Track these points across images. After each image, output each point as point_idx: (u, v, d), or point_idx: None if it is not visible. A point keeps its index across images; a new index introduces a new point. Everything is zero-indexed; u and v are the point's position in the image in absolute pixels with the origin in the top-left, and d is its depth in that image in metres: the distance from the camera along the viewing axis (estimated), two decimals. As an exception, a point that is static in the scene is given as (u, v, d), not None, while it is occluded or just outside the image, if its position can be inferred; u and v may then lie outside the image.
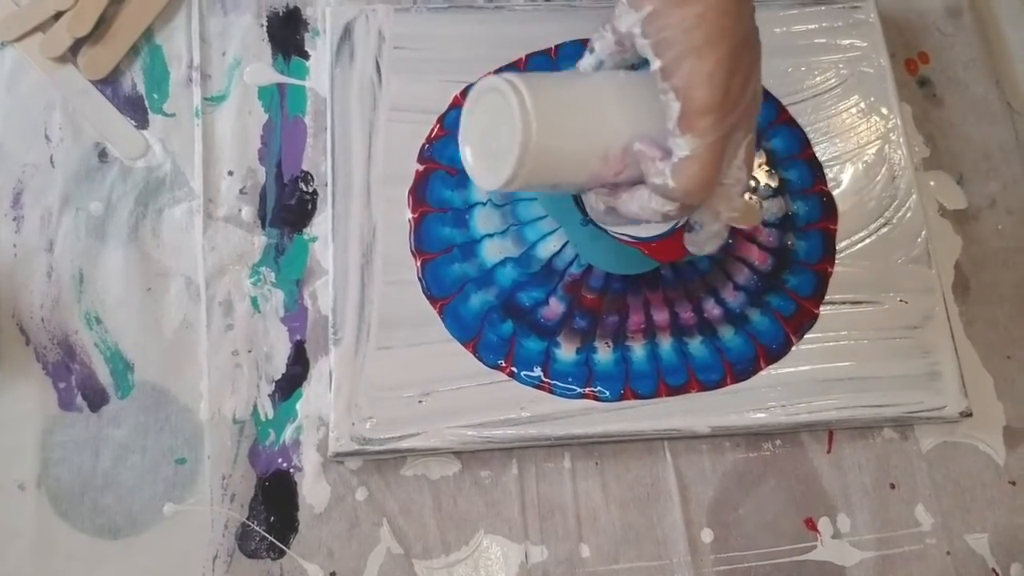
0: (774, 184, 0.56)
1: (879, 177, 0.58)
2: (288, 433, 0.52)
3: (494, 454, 0.52)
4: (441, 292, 0.52)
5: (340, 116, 0.55)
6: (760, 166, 0.57)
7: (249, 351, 0.53)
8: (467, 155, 0.45)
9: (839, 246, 0.56)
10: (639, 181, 0.43)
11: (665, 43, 0.40)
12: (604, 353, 0.52)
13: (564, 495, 0.52)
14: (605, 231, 0.52)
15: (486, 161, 0.44)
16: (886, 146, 0.58)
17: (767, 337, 0.53)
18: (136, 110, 0.56)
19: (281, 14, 0.59)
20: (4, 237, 0.53)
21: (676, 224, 0.53)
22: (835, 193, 0.57)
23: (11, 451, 0.50)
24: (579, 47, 0.58)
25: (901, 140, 0.58)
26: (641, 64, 0.46)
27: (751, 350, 0.53)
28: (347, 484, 0.51)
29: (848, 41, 0.60)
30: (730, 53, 0.40)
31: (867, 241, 0.56)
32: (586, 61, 0.46)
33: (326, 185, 0.55)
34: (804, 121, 0.58)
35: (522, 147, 0.41)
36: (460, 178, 0.55)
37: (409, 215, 0.54)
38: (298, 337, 0.53)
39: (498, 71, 0.57)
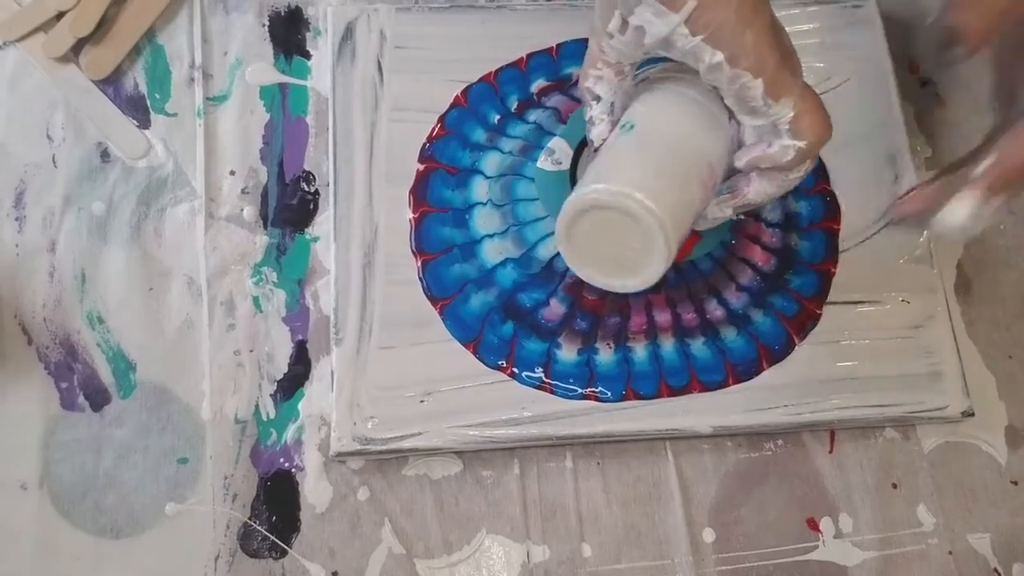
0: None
1: (881, 177, 0.58)
2: (290, 433, 0.52)
3: (496, 454, 0.52)
4: (441, 292, 0.52)
5: (342, 116, 0.55)
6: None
7: (251, 351, 0.53)
8: (595, 276, 0.45)
9: (841, 246, 0.56)
10: (730, 175, 0.45)
11: (721, 31, 0.39)
12: (605, 354, 0.52)
13: (566, 495, 0.52)
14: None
15: (619, 270, 0.44)
16: (888, 145, 0.58)
17: (769, 338, 0.53)
18: (138, 110, 0.56)
19: (283, 14, 0.59)
20: (6, 237, 0.53)
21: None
22: (837, 193, 0.57)
23: (13, 451, 0.50)
24: (581, 46, 0.57)
25: (903, 140, 0.58)
26: (638, 85, 0.46)
27: (753, 351, 0.53)
28: (349, 484, 0.51)
29: (850, 40, 0.60)
30: (772, 15, 0.40)
31: (869, 241, 0.56)
32: (598, 112, 0.46)
33: (328, 185, 0.55)
34: (806, 120, 0.58)
35: (667, 244, 0.41)
36: (460, 178, 0.55)
37: (410, 215, 0.54)
38: (300, 337, 0.53)
39: (499, 71, 0.57)
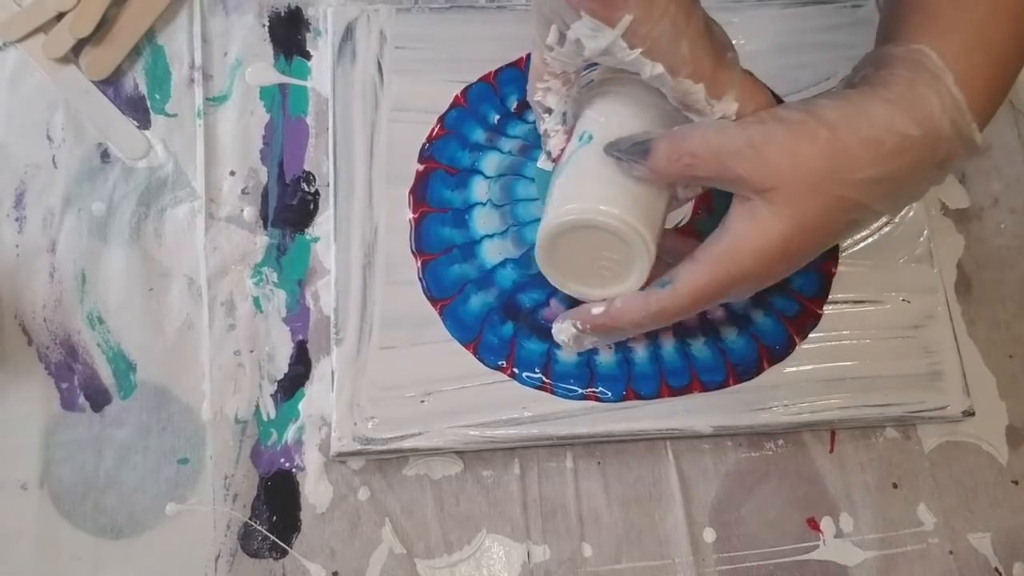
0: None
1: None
2: (290, 433, 0.52)
3: (496, 454, 0.52)
4: (441, 293, 0.52)
5: (342, 116, 0.55)
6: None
7: (251, 351, 0.53)
8: (583, 291, 0.45)
9: (842, 245, 0.56)
10: None
11: (658, 43, 0.39)
12: (606, 354, 0.52)
13: (566, 495, 0.52)
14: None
15: (606, 280, 0.44)
16: (888, 145, 0.58)
17: (770, 338, 0.53)
18: (138, 110, 0.56)
19: (283, 14, 0.59)
20: (7, 237, 0.53)
21: (679, 223, 0.53)
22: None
23: (14, 451, 0.50)
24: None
25: (903, 139, 0.58)
26: (585, 86, 0.46)
27: (754, 351, 0.53)
28: (349, 484, 0.51)
29: (850, 40, 0.60)
30: (703, 15, 0.40)
31: (869, 240, 0.56)
32: (551, 124, 0.45)
33: (328, 185, 0.55)
34: (806, 120, 0.58)
35: (647, 248, 0.42)
36: (459, 178, 0.55)
37: (409, 215, 0.54)
38: (300, 337, 0.53)
39: (499, 71, 0.57)
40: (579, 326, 0.44)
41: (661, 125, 0.44)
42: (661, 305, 0.42)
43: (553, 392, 0.51)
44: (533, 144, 0.55)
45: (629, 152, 0.41)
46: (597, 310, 0.44)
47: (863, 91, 0.40)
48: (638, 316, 0.43)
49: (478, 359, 0.51)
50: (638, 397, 0.51)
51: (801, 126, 0.39)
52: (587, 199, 0.42)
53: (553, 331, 0.46)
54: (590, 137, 0.44)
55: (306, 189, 0.56)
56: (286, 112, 0.57)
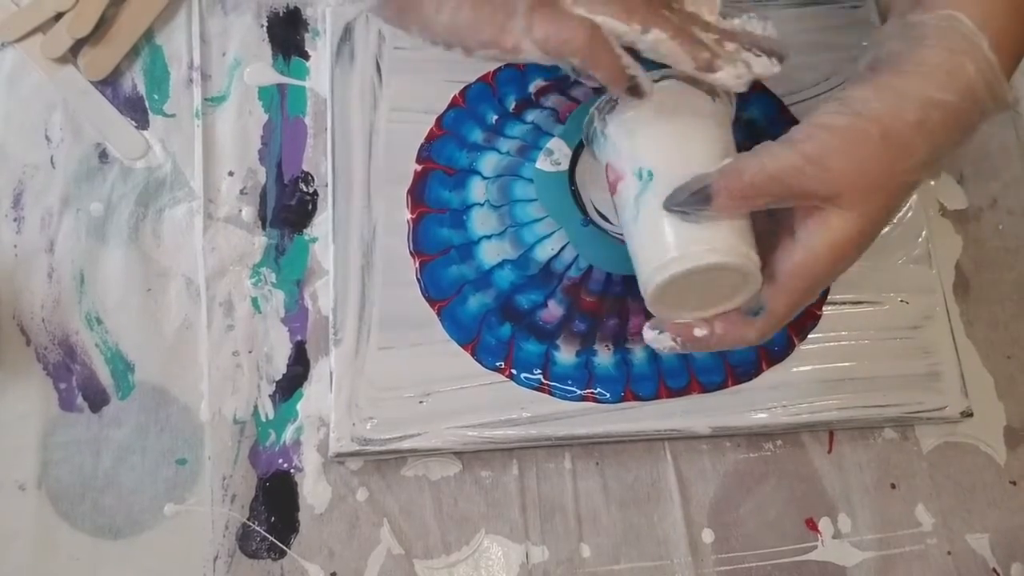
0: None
1: (880, 177, 0.58)
2: (289, 433, 0.52)
3: (495, 454, 0.52)
4: (439, 294, 0.52)
5: (340, 116, 0.55)
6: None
7: (250, 351, 0.53)
8: (696, 316, 0.44)
9: (840, 246, 0.56)
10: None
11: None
12: (604, 356, 0.52)
13: (565, 495, 0.52)
14: (606, 232, 0.52)
15: (715, 302, 0.44)
16: (887, 146, 0.58)
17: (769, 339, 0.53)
18: (136, 111, 0.56)
19: (281, 14, 0.59)
20: (5, 238, 0.53)
21: None
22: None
23: (12, 451, 0.50)
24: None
25: (902, 139, 0.58)
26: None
27: (753, 352, 0.53)
28: (348, 484, 0.51)
29: (848, 41, 0.60)
30: None
31: (868, 241, 0.56)
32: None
33: (326, 185, 0.55)
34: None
35: (755, 264, 0.42)
36: (457, 178, 0.55)
37: (408, 215, 0.54)
38: (299, 337, 0.53)
39: (497, 71, 0.57)
40: (679, 341, 0.45)
41: (708, 125, 0.43)
42: (760, 330, 0.44)
43: (551, 393, 0.51)
44: (531, 144, 0.55)
45: (690, 204, 0.41)
46: (700, 332, 0.44)
47: (897, 71, 0.41)
48: (738, 342, 0.44)
49: (476, 360, 0.51)
50: (636, 398, 0.51)
51: (852, 130, 0.40)
52: (681, 243, 0.42)
53: (647, 337, 0.46)
54: (650, 174, 0.43)
55: (304, 189, 0.56)
56: (284, 112, 0.57)
